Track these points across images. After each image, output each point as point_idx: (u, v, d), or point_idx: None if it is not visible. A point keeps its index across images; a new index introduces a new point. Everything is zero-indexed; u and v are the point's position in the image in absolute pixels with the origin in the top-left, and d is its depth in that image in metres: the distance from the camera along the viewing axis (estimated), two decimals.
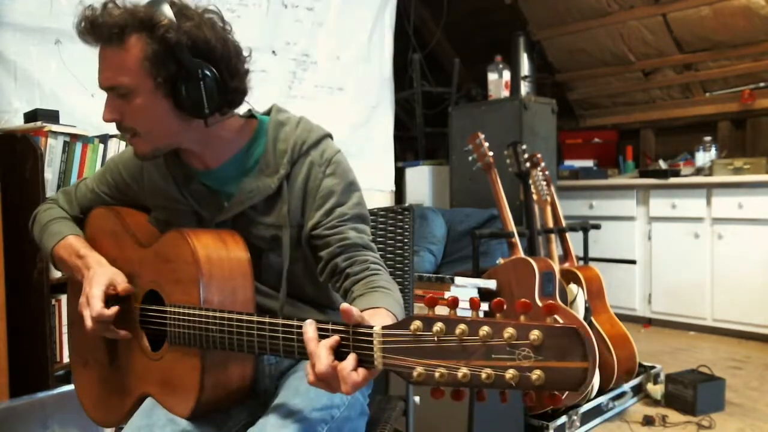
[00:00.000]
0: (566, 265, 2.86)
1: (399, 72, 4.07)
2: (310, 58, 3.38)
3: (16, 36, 2.26)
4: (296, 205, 1.13)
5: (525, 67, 4.01)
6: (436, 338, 0.73)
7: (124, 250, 1.18)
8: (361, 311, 0.93)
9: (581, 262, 2.99)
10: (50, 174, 1.93)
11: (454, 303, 0.76)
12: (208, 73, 1.03)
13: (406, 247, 1.49)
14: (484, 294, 2.40)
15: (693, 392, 2.45)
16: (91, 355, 1.24)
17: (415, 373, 0.74)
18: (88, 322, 1.06)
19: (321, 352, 0.81)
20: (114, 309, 1.08)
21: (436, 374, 0.72)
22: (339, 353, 0.82)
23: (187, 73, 1.02)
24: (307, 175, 1.12)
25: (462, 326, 0.71)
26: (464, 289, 2.34)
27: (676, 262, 3.83)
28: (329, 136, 1.17)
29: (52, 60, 2.36)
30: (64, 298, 1.90)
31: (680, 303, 3.82)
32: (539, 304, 2.34)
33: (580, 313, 2.52)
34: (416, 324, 0.75)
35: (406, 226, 1.50)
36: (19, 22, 2.26)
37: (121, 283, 1.11)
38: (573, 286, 2.63)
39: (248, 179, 1.13)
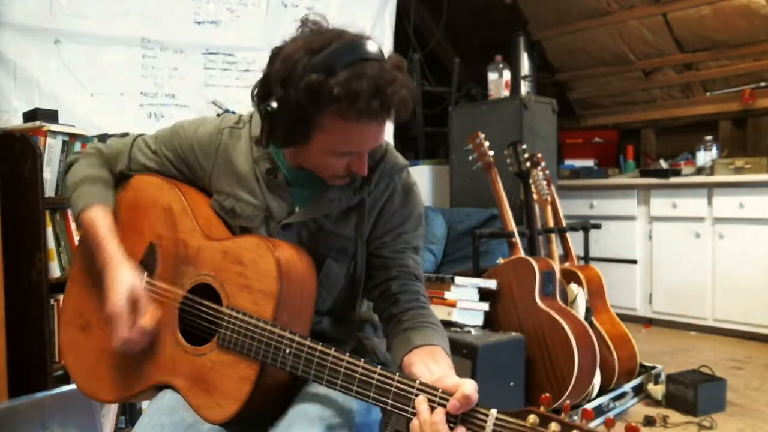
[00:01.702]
0: (567, 264, 2.85)
1: None
2: None
3: (16, 36, 2.27)
4: (369, 222, 1.14)
5: (525, 66, 4.00)
6: None
7: (180, 231, 1.13)
8: (418, 346, 0.99)
9: (582, 262, 2.99)
10: (49, 173, 1.93)
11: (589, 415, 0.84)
12: None
13: None
14: (485, 294, 2.40)
15: (694, 392, 2.45)
16: (97, 321, 1.18)
17: None
18: (122, 334, 1.05)
19: (443, 428, 0.84)
20: (149, 326, 1.08)
21: None
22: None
23: None
24: (387, 198, 1.15)
25: None
26: (464, 288, 2.34)
27: (676, 261, 3.82)
28: (409, 165, 1.21)
29: (52, 60, 2.36)
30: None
31: (681, 303, 3.81)
32: (540, 304, 2.34)
33: (580, 313, 2.51)
34: (533, 418, 0.80)
35: None
36: (19, 22, 2.26)
37: (143, 302, 1.08)
38: (573, 286, 2.62)
39: (332, 188, 1.11)
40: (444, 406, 0.85)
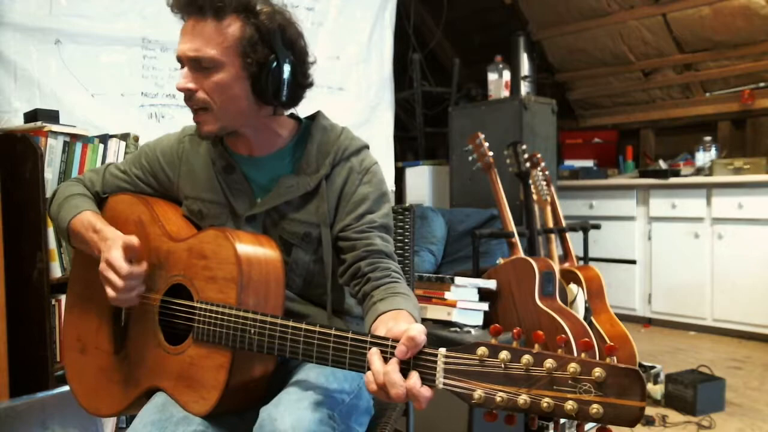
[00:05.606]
0: (566, 265, 2.86)
1: (399, 72, 4.07)
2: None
3: (16, 36, 2.26)
4: (330, 206, 1.16)
5: (525, 67, 4.01)
6: (502, 365, 0.77)
7: (151, 240, 1.17)
8: (384, 312, 0.97)
9: (581, 262, 2.99)
10: (50, 174, 1.93)
11: (518, 335, 0.80)
12: (291, 64, 1.09)
13: (406, 247, 1.49)
14: (484, 294, 2.40)
15: (693, 392, 2.45)
16: (91, 342, 1.22)
17: (475, 395, 0.77)
18: (118, 283, 1.05)
19: (396, 378, 0.82)
20: (144, 265, 1.08)
21: (497, 398, 0.76)
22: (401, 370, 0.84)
23: (275, 60, 1.07)
24: (345, 180, 1.17)
25: (527, 357, 0.75)
26: (464, 289, 2.34)
27: (676, 262, 3.83)
28: (368, 147, 1.23)
29: (52, 60, 2.36)
30: (64, 298, 1.90)
31: (680, 303, 3.82)
32: (539, 304, 2.35)
33: (580, 313, 2.52)
34: (482, 350, 0.78)
35: (407, 226, 1.50)
36: (19, 22, 2.26)
37: (135, 240, 1.09)
38: (573, 286, 2.63)
39: (288, 175, 1.16)
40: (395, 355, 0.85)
